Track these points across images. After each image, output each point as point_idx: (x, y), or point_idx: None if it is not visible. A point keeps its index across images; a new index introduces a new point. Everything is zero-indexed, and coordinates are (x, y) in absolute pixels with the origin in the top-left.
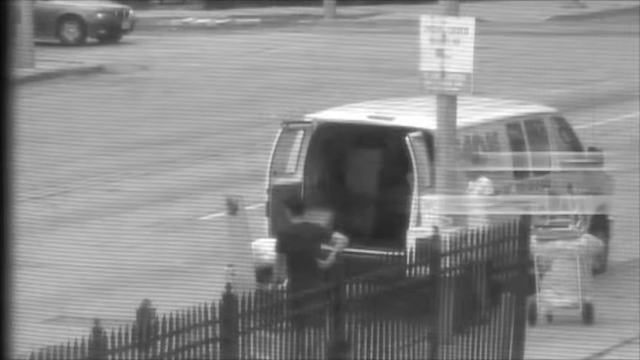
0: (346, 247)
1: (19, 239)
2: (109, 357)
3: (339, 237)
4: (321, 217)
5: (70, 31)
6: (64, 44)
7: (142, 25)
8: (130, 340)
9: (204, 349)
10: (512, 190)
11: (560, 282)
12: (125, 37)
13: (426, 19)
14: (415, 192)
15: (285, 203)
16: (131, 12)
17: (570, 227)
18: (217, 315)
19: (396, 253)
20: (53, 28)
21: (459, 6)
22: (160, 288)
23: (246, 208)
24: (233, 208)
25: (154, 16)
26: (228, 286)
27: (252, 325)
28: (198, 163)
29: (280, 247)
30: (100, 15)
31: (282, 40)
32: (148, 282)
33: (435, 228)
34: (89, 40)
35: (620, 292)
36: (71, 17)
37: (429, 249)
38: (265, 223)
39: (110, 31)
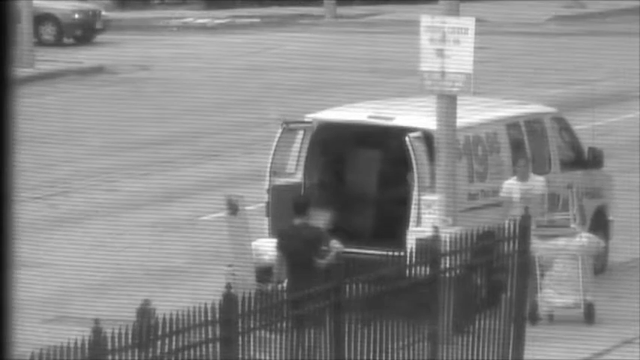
0: (339, 258)
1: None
2: (109, 357)
3: (336, 246)
4: (320, 218)
5: (48, 32)
6: (42, 44)
7: (116, 25)
8: (130, 340)
9: (204, 349)
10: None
11: (562, 281)
12: (99, 37)
13: (426, 19)
14: (415, 192)
15: (292, 202)
16: (103, 12)
17: (571, 227)
18: (217, 315)
19: (396, 253)
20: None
21: (459, 6)
22: (160, 288)
23: (246, 208)
24: (233, 208)
25: (154, 16)
26: (228, 286)
27: (252, 325)
28: (198, 163)
29: (280, 248)
30: (76, 15)
31: (282, 40)
32: (148, 282)
33: (435, 228)
34: (65, 40)
35: (620, 292)
36: (48, 17)
37: (429, 249)
38: (265, 223)
39: (85, 32)
